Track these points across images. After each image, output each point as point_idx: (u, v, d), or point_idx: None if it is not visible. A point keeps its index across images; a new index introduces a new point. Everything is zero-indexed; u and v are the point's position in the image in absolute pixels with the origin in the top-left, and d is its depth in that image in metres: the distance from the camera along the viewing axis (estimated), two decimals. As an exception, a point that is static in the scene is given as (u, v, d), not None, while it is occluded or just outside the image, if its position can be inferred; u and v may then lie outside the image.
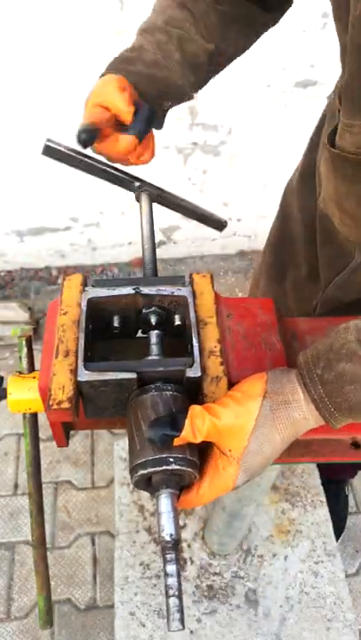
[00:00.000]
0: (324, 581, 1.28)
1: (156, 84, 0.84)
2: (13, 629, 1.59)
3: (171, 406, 0.58)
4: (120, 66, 0.84)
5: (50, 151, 0.86)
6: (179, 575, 0.53)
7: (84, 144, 0.77)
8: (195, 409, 0.57)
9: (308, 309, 1.07)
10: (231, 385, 0.61)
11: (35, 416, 0.73)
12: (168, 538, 0.54)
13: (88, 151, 0.84)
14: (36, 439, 0.74)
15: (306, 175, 1.02)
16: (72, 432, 0.79)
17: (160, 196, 0.87)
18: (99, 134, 0.79)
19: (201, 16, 0.85)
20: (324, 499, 1.40)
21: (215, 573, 1.29)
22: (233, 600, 1.26)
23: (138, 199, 0.85)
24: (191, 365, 0.61)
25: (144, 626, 1.22)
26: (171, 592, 0.52)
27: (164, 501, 0.56)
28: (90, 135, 0.77)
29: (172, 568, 0.53)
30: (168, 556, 0.54)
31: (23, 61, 1.70)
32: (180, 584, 0.52)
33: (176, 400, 0.58)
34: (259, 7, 0.88)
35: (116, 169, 0.87)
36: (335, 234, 0.90)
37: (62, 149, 0.86)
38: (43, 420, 0.68)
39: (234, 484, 0.59)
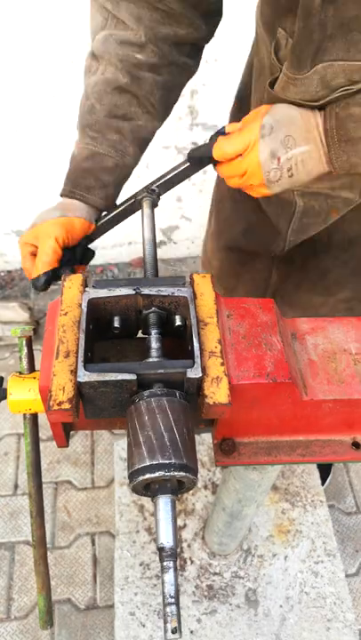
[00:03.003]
0: (324, 581, 1.28)
1: (119, 183, 0.88)
2: (13, 629, 1.59)
3: (168, 413, 0.57)
4: (77, 186, 0.86)
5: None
6: (177, 583, 0.52)
7: (44, 289, 0.83)
8: (217, 140, 0.79)
9: (266, 250, 1.11)
10: (232, 386, 0.61)
11: (35, 416, 0.73)
12: (166, 546, 0.53)
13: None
14: (36, 439, 0.73)
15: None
16: (72, 432, 0.79)
17: (161, 188, 0.87)
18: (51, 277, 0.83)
19: (145, 96, 0.84)
20: (324, 499, 1.40)
21: (215, 573, 1.29)
22: (233, 600, 1.26)
23: (140, 205, 0.85)
24: (191, 366, 0.60)
25: (144, 626, 1.22)
26: (168, 600, 0.51)
27: (163, 508, 0.55)
28: (44, 285, 0.83)
29: (169, 576, 0.52)
30: (166, 564, 0.53)
31: (23, 61, 1.70)
32: (177, 592, 0.52)
33: (174, 406, 0.58)
34: (191, 43, 0.87)
35: (118, 206, 0.89)
36: None
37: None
38: (43, 420, 0.68)
39: (256, 141, 0.72)
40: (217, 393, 0.60)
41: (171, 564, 0.53)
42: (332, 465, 1.87)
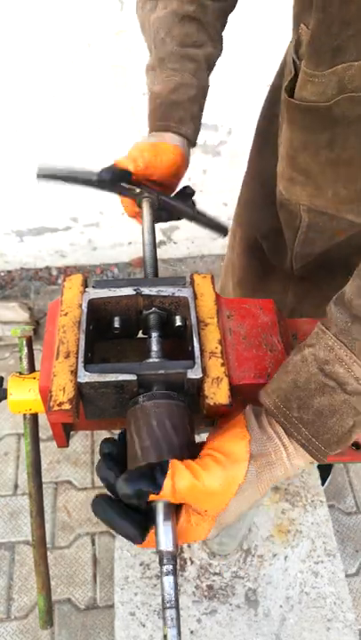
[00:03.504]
0: (324, 581, 1.28)
1: (200, 116, 0.88)
2: (13, 629, 1.59)
3: (164, 420, 0.56)
4: (170, 119, 0.86)
5: (44, 177, 0.87)
6: (176, 588, 0.51)
7: (106, 180, 0.81)
8: (176, 467, 0.52)
9: (282, 265, 1.10)
10: (232, 386, 0.61)
11: (35, 416, 0.73)
12: (165, 550, 0.52)
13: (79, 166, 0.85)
14: (36, 439, 0.73)
15: (264, 139, 1.06)
16: (72, 432, 0.79)
17: (162, 202, 0.87)
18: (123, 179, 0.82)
19: (210, 22, 0.86)
20: (324, 499, 1.40)
21: (215, 573, 1.29)
22: (233, 600, 1.26)
23: (140, 205, 0.85)
24: (192, 367, 0.60)
25: (144, 626, 1.21)
26: (168, 605, 0.50)
27: (161, 512, 0.54)
28: (115, 176, 0.81)
29: (169, 580, 0.51)
30: (165, 568, 0.52)
31: (23, 61, 1.70)
32: (177, 597, 0.51)
33: (172, 412, 0.57)
34: None
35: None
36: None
37: (56, 173, 0.87)
38: (43, 420, 0.68)
39: (205, 537, 0.56)
40: (217, 393, 0.60)
41: (170, 567, 0.52)
42: (332, 465, 1.87)
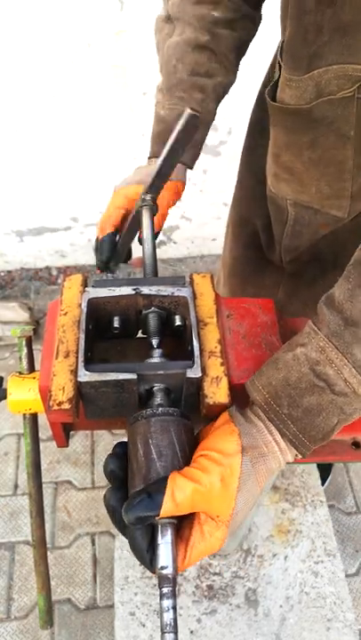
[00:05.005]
0: (324, 581, 1.28)
1: (202, 141, 0.91)
2: (13, 629, 1.59)
3: (159, 439, 0.55)
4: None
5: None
6: (175, 610, 0.50)
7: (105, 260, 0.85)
8: (175, 480, 0.52)
9: (274, 259, 1.12)
10: (232, 386, 0.61)
11: (35, 416, 0.73)
12: (165, 571, 0.51)
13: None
14: (36, 439, 0.73)
15: (255, 133, 1.08)
16: (72, 432, 0.79)
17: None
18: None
19: (223, 52, 0.87)
20: (324, 499, 1.40)
21: (215, 573, 1.29)
22: (233, 600, 1.26)
23: (139, 215, 0.85)
24: (191, 366, 0.60)
25: (144, 626, 1.21)
26: (167, 629, 0.49)
27: (164, 532, 0.53)
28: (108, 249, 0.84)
29: (168, 603, 0.50)
30: (165, 590, 0.50)
31: (24, 61, 1.70)
32: (175, 620, 0.50)
33: (167, 426, 0.56)
34: (253, 9, 0.90)
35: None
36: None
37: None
38: (43, 420, 0.68)
39: (221, 546, 0.55)
40: (217, 393, 0.60)
41: (170, 589, 0.50)
42: (332, 465, 1.88)
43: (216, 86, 0.88)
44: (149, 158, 0.92)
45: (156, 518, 0.51)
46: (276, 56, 0.92)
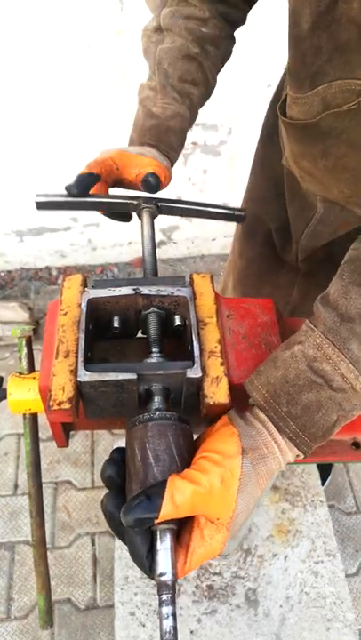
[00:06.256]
0: (324, 581, 1.28)
1: (183, 144, 0.92)
2: (13, 629, 1.59)
3: (157, 444, 0.55)
4: (162, 142, 0.89)
5: (42, 206, 0.87)
6: (175, 617, 0.49)
7: (75, 195, 0.81)
8: (174, 482, 0.51)
9: (288, 259, 1.13)
10: (232, 386, 0.61)
11: (35, 416, 0.73)
12: (164, 578, 0.50)
13: None
14: (36, 439, 0.73)
15: (270, 134, 1.09)
16: (72, 432, 0.79)
17: (163, 208, 0.87)
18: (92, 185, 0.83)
19: (209, 67, 0.91)
20: (324, 499, 1.40)
21: (215, 573, 1.29)
22: (233, 600, 1.26)
23: (140, 217, 0.85)
24: (191, 366, 0.60)
25: (144, 626, 1.21)
26: (167, 636, 0.49)
27: (163, 538, 0.52)
28: (85, 186, 0.81)
29: (168, 610, 0.49)
30: (164, 597, 0.50)
31: (24, 61, 1.70)
32: (176, 627, 0.49)
33: (165, 431, 0.56)
34: (233, 21, 0.93)
35: (111, 196, 0.87)
36: (298, 188, 0.97)
37: (53, 200, 0.87)
38: (43, 420, 0.68)
39: (221, 550, 0.54)
40: (217, 393, 0.60)
41: (170, 596, 0.50)
42: (332, 465, 1.88)
43: (199, 96, 0.92)
44: (136, 144, 0.91)
45: (155, 523, 0.51)
46: (285, 73, 0.95)
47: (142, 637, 1.20)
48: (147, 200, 0.83)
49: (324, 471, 1.83)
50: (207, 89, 0.94)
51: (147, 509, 0.50)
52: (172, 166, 0.92)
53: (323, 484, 1.71)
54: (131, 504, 0.51)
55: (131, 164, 0.84)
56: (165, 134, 0.89)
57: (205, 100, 0.96)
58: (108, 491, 0.56)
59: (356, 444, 0.75)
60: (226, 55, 0.96)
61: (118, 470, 0.57)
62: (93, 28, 1.64)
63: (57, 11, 1.59)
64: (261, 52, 1.67)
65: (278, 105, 0.87)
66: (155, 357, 0.63)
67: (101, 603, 1.63)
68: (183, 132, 0.91)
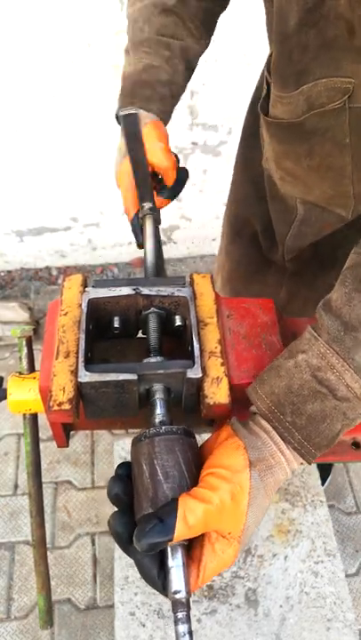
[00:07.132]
0: (324, 581, 1.28)
1: (172, 102, 0.87)
2: (13, 629, 1.59)
3: (165, 459, 0.54)
4: (136, 96, 0.86)
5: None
6: (191, 635, 0.49)
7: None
8: (185, 502, 0.50)
9: (275, 259, 1.12)
10: (232, 386, 0.61)
11: (35, 416, 0.73)
12: (178, 595, 0.50)
13: None
14: (36, 439, 0.73)
15: (250, 135, 1.07)
16: (72, 432, 0.79)
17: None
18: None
19: (190, 18, 0.86)
20: (324, 499, 1.40)
21: (215, 573, 1.29)
22: (233, 600, 1.26)
23: (142, 224, 0.84)
24: (191, 367, 0.60)
25: (144, 626, 1.21)
26: None
27: (174, 554, 0.51)
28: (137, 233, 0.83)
29: (184, 628, 0.49)
30: (179, 615, 0.49)
31: (24, 61, 1.70)
32: None
33: (172, 446, 0.55)
34: None
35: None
36: (278, 190, 0.95)
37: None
38: (43, 420, 0.68)
39: (233, 562, 0.54)
40: (217, 393, 0.60)
41: (185, 614, 0.49)
42: (332, 465, 1.88)
43: (183, 48, 0.87)
44: (119, 109, 0.90)
45: (170, 543, 0.50)
46: (263, 71, 0.92)
47: (142, 637, 1.20)
48: (144, 206, 0.83)
49: (324, 471, 1.83)
50: (193, 42, 0.88)
51: (160, 533, 0.49)
52: (164, 118, 0.88)
53: (323, 484, 1.71)
54: (144, 528, 0.50)
55: (130, 187, 0.85)
56: (139, 88, 0.85)
57: (195, 53, 0.89)
58: (114, 509, 0.55)
59: (356, 444, 0.75)
60: (215, 8, 0.90)
61: (125, 488, 0.56)
62: (93, 28, 1.64)
63: (57, 11, 1.59)
64: (261, 51, 1.67)
65: (259, 104, 0.84)
66: (155, 358, 0.63)
67: (101, 603, 1.63)
68: (163, 83, 0.85)
